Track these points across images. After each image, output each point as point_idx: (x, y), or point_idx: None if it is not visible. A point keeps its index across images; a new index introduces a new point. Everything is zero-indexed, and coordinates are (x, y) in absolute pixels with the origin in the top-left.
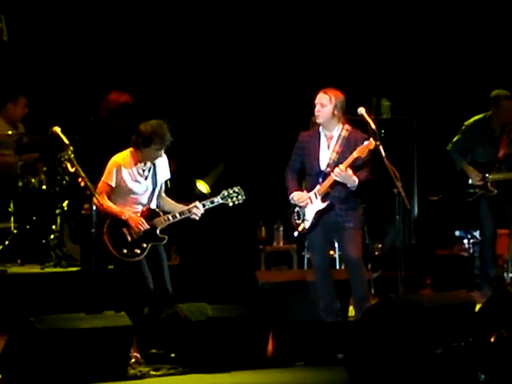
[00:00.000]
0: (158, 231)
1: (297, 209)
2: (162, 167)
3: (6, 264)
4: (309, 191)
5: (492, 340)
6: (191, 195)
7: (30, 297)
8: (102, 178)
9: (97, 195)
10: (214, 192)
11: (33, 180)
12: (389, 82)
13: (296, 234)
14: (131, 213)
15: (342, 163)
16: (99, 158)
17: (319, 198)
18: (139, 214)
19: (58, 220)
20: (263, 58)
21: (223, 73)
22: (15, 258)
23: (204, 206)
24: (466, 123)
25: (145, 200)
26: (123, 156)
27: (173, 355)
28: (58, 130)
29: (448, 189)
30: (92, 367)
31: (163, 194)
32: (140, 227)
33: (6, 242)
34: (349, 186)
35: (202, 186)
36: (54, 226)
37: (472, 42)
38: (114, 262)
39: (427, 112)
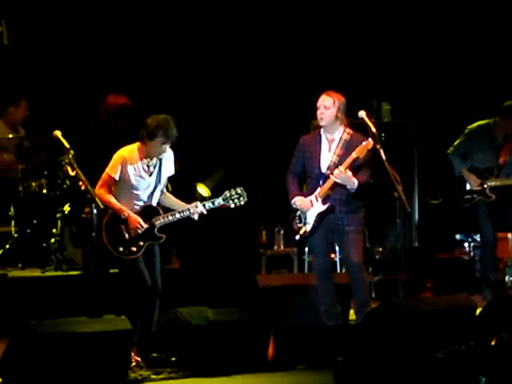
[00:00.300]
0: (156, 230)
1: (298, 212)
2: (168, 163)
3: (7, 268)
4: (309, 194)
5: (493, 343)
6: (191, 198)
7: (30, 301)
8: (106, 170)
9: (97, 198)
10: (215, 196)
11: (33, 184)
12: (389, 86)
13: (298, 237)
14: (131, 212)
15: (342, 165)
16: (99, 162)
17: (320, 200)
18: (139, 211)
19: (59, 224)
20: (264, 61)
21: (224, 76)
22: (16, 261)
23: (205, 206)
24: (469, 127)
25: (147, 196)
26: (130, 150)
27: (173, 359)
28: (58, 133)
29: (448, 193)
30: (93, 371)
31: (165, 191)
32: (138, 229)
33: (7, 246)
34: (348, 187)
35: (203, 190)
36: (54, 230)
37: (472, 45)
38: (113, 260)
39: (428, 115)
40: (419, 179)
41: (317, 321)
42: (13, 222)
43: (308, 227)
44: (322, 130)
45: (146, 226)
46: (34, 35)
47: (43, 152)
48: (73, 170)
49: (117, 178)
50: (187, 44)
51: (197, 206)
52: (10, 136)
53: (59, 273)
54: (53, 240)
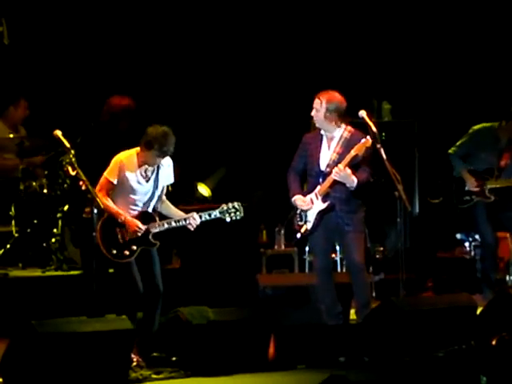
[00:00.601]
0: (150, 236)
1: (299, 211)
2: (166, 171)
3: (8, 268)
4: (310, 192)
5: (493, 343)
6: (192, 198)
7: (31, 300)
8: (105, 174)
9: (98, 198)
10: (215, 196)
11: (34, 183)
12: (390, 85)
13: (298, 235)
14: (129, 216)
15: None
16: (101, 162)
17: (320, 198)
18: (136, 216)
19: (59, 223)
20: (265, 60)
21: (225, 76)
22: (16, 261)
23: (201, 217)
24: (474, 127)
25: (144, 202)
26: (129, 155)
27: (174, 359)
28: (59, 133)
29: (447, 192)
30: (93, 371)
31: (164, 198)
32: (137, 232)
33: (8, 246)
34: (348, 185)
35: (204, 190)
36: (55, 230)
37: (473, 45)
38: (109, 262)
39: (428, 115)
40: (420, 178)
41: (317, 320)
42: (13, 222)
43: (309, 225)
44: (322, 129)
45: (144, 227)
46: (35, 35)
47: (44, 152)
48: (73, 170)
49: (115, 182)
50: (189, 45)
51: (194, 218)
52: (11, 136)
53: (60, 272)
54: (53, 240)
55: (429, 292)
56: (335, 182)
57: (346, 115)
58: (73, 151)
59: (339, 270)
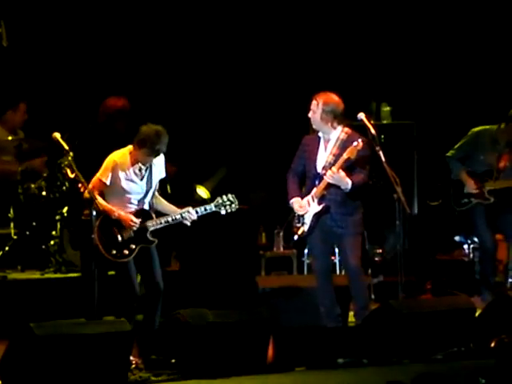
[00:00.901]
0: (148, 234)
1: (297, 213)
2: (158, 167)
3: (6, 270)
4: (307, 194)
5: (492, 345)
6: (191, 200)
7: (30, 303)
8: (97, 174)
9: (96, 199)
10: (214, 197)
11: (33, 186)
12: (389, 88)
13: (296, 237)
14: (122, 212)
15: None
16: (98, 164)
17: (316, 200)
18: (133, 214)
19: (58, 226)
20: (264, 62)
21: (225, 77)
22: (15, 263)
23: (197, 212)
24: (473, 130)
25: (138, 200)
26: (121, 154)
27: (173, 361)
28: (57, 135)
29: (446, 195)
30: (92, 373)
31: (157, 194)
32: (132, 225)
33: (6, 248)
34: (342, 188)
35: (202, 192)
36: (54, 232)
37: (472, 48)
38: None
39: (427, 117)
40: (418, 181)
41: (316, 322)
42: (12, 224)
43: (305, 227)
44: (320, 131)
45: (138, 221)
46: (34, 37)
47: (43, 154)
48: (72, 172)
49: (107, 182)
50: (188, 45)
51: (189, 212)
52: (9, 138)
53: (58, 275)
54: (52, 242)
55: (427, 294)
56: (330, 185)
57: (345, 117)
58: (71, 153)
59: (338, 272)
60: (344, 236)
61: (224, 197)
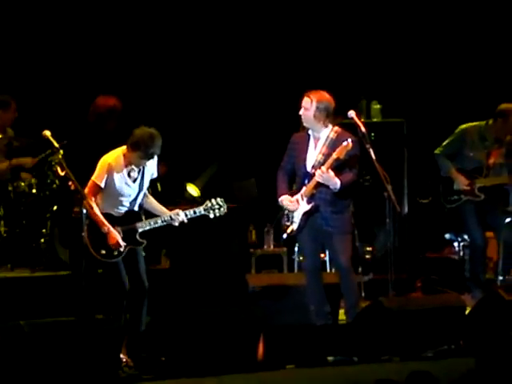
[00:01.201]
0: (137, 235)
1: (286, 211)
2: (151, 169)
3: None
4: (297, 192)
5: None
6: (181, 198)
7: (19, 301)
8: (92, 178)
9: (87, 199)
10: (205, 196)
11: (23, 184)
12: (379, 85)
13: (285, 236)
14: (112, 228)
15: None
16: (89, 163)
17: (305, 199)
18: (122, 215)
19: (49, 224)
20: (254, 59)
21: (215, 75)
22: (5, 262)
23: (186, 215)
24: (461, 127)
25: (131, 202)
26: (115, 156)
27: (163, 359)
28: (48, 133)
29: (436, 193)
30: (82, 371)
31: (147, 193)
32: (115, 248)
33: None
34: (331, 187)
35: (193, 190)
36: (44, 230)
37: (461, 46)
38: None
39: (417, 115)
40: (409, 179)
41: (306, 320)
42: (2, 222)
43: (294, 226)
44: (310, 129)
45: (124, 244)
46: (23, 34)
47: (33, 152)
48: (62, 170)
49: (103, 185)
50: (178, 43)
51: (178, 214)
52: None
53: (48, 273)
54: (42, 240)
55: (418, 292)
56: (320, 184)
57: (336, 115)
58: (62, 151)
59: (328, 270)
60: (334, 234)
61: (213, 200)
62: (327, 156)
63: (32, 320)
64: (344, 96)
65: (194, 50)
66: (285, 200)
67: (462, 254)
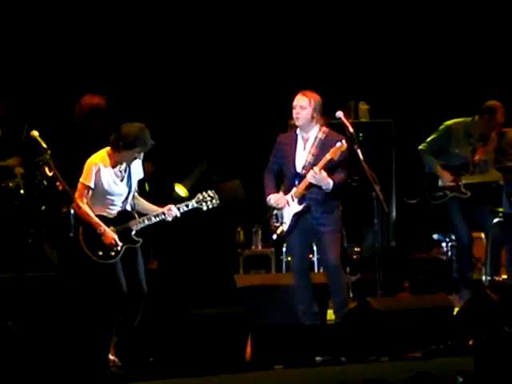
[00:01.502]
0: (132, 234)
1: (275, 211)
2: (137, 167)
3: None
4: (286, 193)
5: (470, 343)
6: (169, 199)
7: (7, 301)
8: (81, 180)
9: (76, 200)
10: (193, 196)
11: (10, 184)
12: (367, 86)
13: (275, 236)
14: (107, 228)
15: (317, 165)
16: (76, 162)
17: (296, 200)
18: (115, 216)
19: (36, 224)
20: (241, 60)
21: (201, 76)
22: None
23: (179, 209)
24: (446, 123)
25: (121, 202)
26: (101, 157)
27: (151, 359)
28: (36, 133)
29: (421, 190)
30: (70, 371)
31: (137, 195)
32: (112, 246)
33: None
34: (324, 188)
35: (181, 190)
36: (32, 230)
37: (448, 46)
38: (90, 264)
39: (405, 115)
40: (397, 179)
41: (295, 320)
42: None
43: (285, 227)
44: (298, 130)
45: (120, 244)
46: (8, 33)
47: (20, 152)
48: (50, 171)
49: (92, 185)
50: (164, 42)
51: (170, 209)
52: None
53: (36, 273)
54: (30, 240)
55: (406, 292)
56: (311, 185)
57: (324, 116)
58: (49, 152)
59: (316, 270)
60: (324, 233)
61: (204, 193)
62: (317, 156)
63: (20, 320)
64: (332, 96)
65: (180, 51)
66: (273, 198)
67: (450, 254)
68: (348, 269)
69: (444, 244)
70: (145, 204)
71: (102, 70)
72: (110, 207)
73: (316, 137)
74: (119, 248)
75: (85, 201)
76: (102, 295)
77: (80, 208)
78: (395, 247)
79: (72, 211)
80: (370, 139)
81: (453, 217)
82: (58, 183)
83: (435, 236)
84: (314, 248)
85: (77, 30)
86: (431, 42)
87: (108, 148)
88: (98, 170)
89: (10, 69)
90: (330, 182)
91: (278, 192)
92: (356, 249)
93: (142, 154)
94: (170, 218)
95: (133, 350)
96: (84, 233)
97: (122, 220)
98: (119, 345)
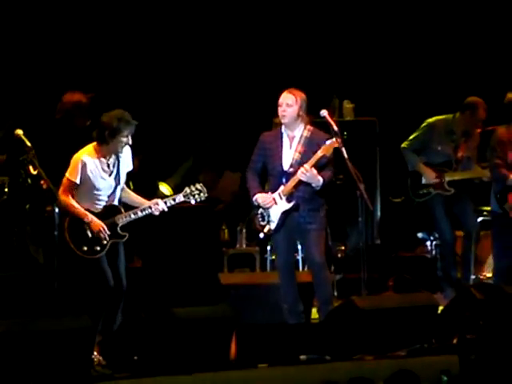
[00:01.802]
0: (118, 228)
1: (260, 210)
2: (126, 160)
3: None
4: (272, 192)
5: (455, 342)
6: (153, 197)
7: None
8: (66, 175)
9: (59, 196)
10: (177, 192)
11: None
12: (351, 84)
13: (262, 235)
14: (94, 217)
15: (304, 163)
16: (60, 160)
17: (284, 198)
18: (101, 211)
19: (21, 222)
20: (226, 58)
21: (187, 73)
22: None
23: (166, 203)
24: (428, 120)
25: (108, 196)
26: (88, 152)
27: (135, 358)
28: (20, 132)
29: (405, 188)
30: (54, 370)
31: (125, 186)
32: (101, 233)
33: None
34: (314, 185)
35: (165, 189)
36: (16, 229)
37: (433, 45)
38: (75, 260)
39: (390, 114)
40: (381, 177)
41: (279, 319)
42: None
43: (272, 225)
44: (283, 128)
45: (107, 233)
46: None
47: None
48: (34, 169)
49: (77, 181)
50: (150, 37)
51: (157, 203)
52: None
53: (20, 272)
54: (14, 239)
55: (390, 291)
56: (300, 182)
57: (308, 114)
58: (33, 150)
59: (301, 268)
60: (310, 231)
61: (192, 186)
62: (304, 154)
63: (3, 320)
64: (316, 95)
65: (165, 49)
66: (260, 198)
67: (434, 252)
68: (332, 267)
69: (428, 242)
70: (133, 196)
71: (85, 67)
72: (97, 202)
73: (302, 135)
74: (105, 242)
75: (69, 196)
76: (88, 292)
77: (63, 201)
78: (380, 246)
79: (56, 210)
80: (355, 138)
81: (436, 214)
82: (42, 182)
83: (420, 234)
84: (299, 247)
85: (58, 28)
86: (414, 41)
87: (94, 143)
88: (84, 165)
89: None
90: (320, 179)
91: (263, 191)
92: (340, 247)
93: (130, 138)
94: (156, 213)
95: (117, 349)
96: (69, 228)
97: (108, 214)
98: (103, 343)
